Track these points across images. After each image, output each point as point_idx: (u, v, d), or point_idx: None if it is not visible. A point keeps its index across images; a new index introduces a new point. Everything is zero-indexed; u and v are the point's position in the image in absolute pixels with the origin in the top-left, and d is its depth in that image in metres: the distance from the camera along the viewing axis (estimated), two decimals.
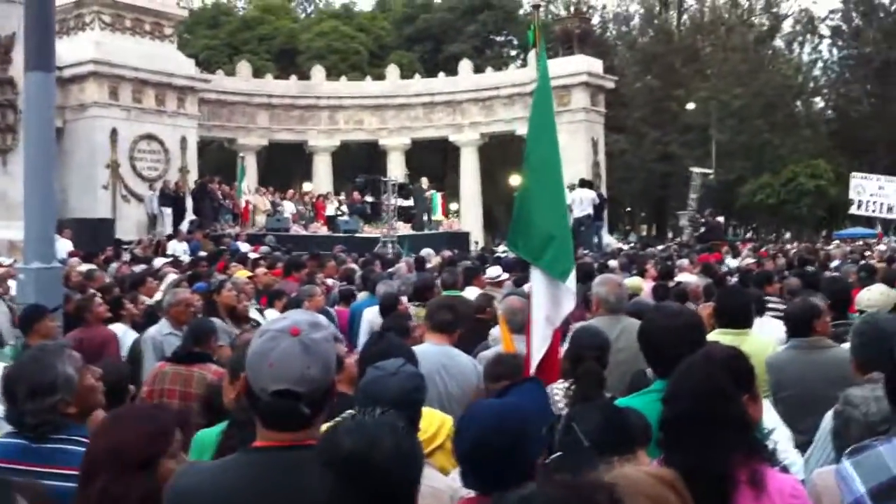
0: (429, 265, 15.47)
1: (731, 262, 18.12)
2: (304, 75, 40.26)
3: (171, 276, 11.46)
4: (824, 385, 4.62)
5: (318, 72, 39.47)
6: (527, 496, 1.39)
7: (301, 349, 2.29)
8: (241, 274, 11.90)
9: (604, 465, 1.57)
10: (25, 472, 3.00)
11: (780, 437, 3.57)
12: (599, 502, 1.39)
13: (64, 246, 18.90)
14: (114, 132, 27.16)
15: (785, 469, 2.94)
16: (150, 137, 28.16)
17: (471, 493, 3.24)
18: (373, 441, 2.02)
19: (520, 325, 6.00)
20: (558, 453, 2.60)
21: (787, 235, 54.77)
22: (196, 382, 5.64)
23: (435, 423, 3.99)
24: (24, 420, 3.20)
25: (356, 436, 2.04)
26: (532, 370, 4.71)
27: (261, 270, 13.61)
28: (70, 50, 25.79)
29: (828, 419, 4.00)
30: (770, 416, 3.74)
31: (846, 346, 4.63)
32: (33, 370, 3.25)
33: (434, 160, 50.39)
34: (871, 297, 6.52)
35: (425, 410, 3.57)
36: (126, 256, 18.80)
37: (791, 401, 5.09)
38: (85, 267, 14.31)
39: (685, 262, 15.07)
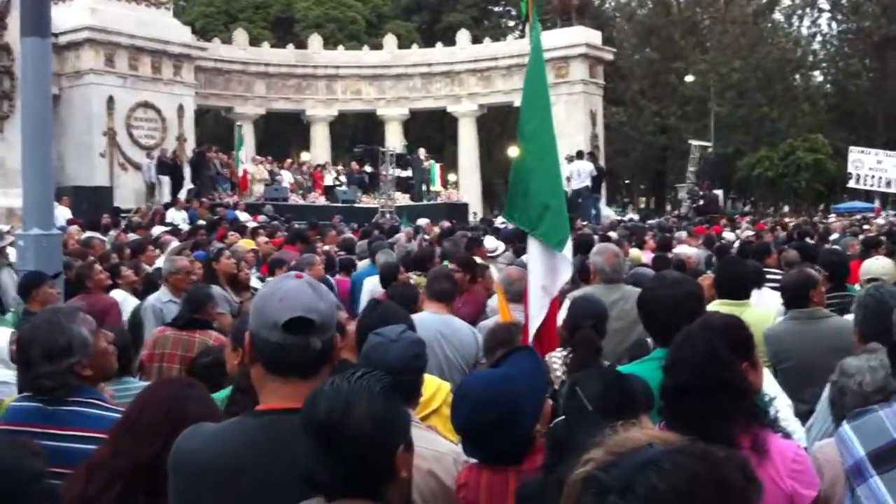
0: (425, 236, 15.47)
1: (729, 236, 18.14)
2: (301, 44, 40.00)
3: (173, 244, 11.45)
4: (824, 355, 4.65)
5: (315, 41, 39.22)
6: (653, 459, 1.34)
7: (308, 286, 2.38)
8: (245, 243, 11.91)
9: (609, 430, 1.54)
10: (42, 435, 2.99)
11: (780, 405, 3.59)
12: (731, 478, 1.35)
13: (62, 213, 18.90)
14: (110, 100, 27.04)
15: (787, 436, 2.96)
16: (146, 105, 28.05)
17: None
18: (347, 406, 2.01)
19: (517, 294, 6.02)
20: (562, 417, 2.61)
21: (786, 209, 54.77)
22: (198, 348, 5.71)
23: (431, 388, 4.02)
24: (41, 383, 3.18)
25: (332, 401, 2.03)
26: (530, 339, 4.73)
27: (262, 239, 13.63)
28: (66, 16, 25.61)
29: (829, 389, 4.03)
30: (771, 385, 3.76)
31: (848, 317, 4.66)
32: (49, 332, 3.22)
33: (432, 131, 50.31)
34: (885, 265, 6.53)
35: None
36: (122, 224, 18.78)
37: (791, 371, 5.13)
38: (84, 234, 14.30)
39: (683, 234, 15.09)
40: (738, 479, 1.33)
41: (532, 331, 4.80)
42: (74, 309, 3.44)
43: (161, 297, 7.59)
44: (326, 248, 12.74)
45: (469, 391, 3.06)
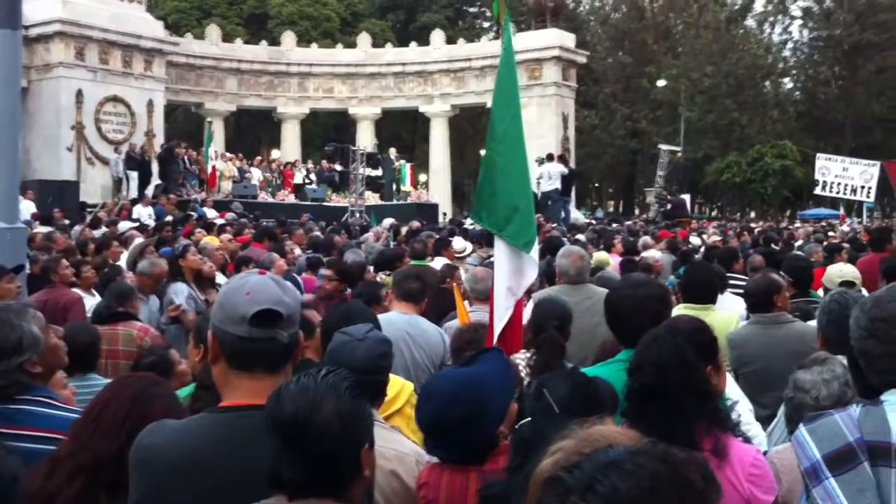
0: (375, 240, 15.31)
1: (696, 240, 18.25)
2: (275, 41, 39.86)
3: (137, 240, 11.35)
4: (786, 359, 4.68)
5: (288, 38, 39.11)
6: (615, 460, 1.35)
7: (273, 281, 2.40)
8: (209, 240, 11.83)
9: (575, 426, 1.55)
10: None
11: (741, 409, 3.62)
12: (692, 480, 1.37)
13: (27, 207, 18.70)
14: (79, 93, 26.79)
15: (748, 440, 2.99)
16: (116, 100, 27.82)
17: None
18: (313, 405, 2.01)
19: (483, 293, 6.05)
20: (528, 419, 2.62)
21: (752, 214, 55.28)
22: (122, 340, 5.90)
23: (395, 388, 4.01)
24: None
25: (299, 399, 2.02)
26: (494, 340, 4.74)
27: (226, 237, 13.54)
28: (36, 8, 25.29)
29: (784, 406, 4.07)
30: (732, 390, 3.79)
31: (811, 322, 4.70)
32: None
33: (404, 130, 50.29)
34: (846, 270, 6.60)
35: None
36: (87, 219, 18.60)
37: (753, 376, 5.17)
38: (45, 229, 14.15)
39: (648, 238, 15.17)
40: (698, 480, 1.35)
41: (497, 332, 4.81)
42: (23, 306, 3.40)
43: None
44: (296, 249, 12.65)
45: (437, 388, 3.06)
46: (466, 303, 6.54)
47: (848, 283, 6.25)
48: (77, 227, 16.40)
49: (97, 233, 14.89)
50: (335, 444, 2.00)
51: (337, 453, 2.01)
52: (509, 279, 4.92)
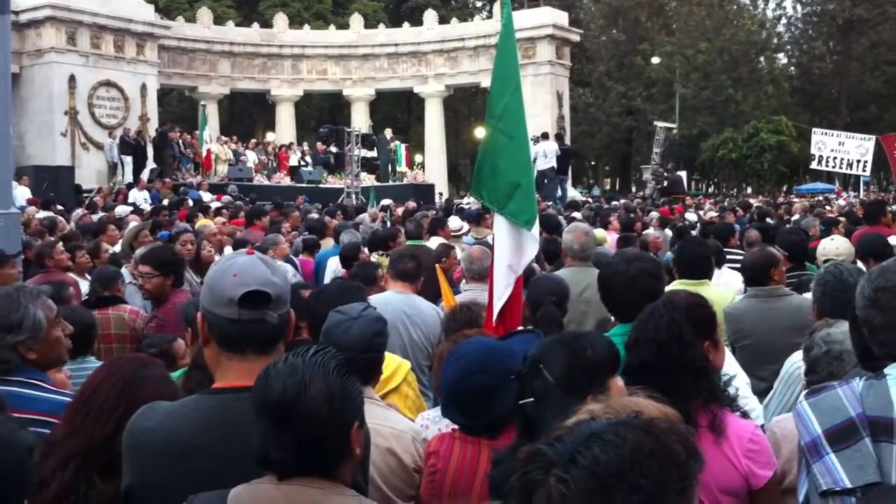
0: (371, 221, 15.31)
1: (691, 217, 18.25)
2: (267, 23, 39.68)
3: (132, 224, 11.33)
4: (783, 333, 4.68)
5: (280, 19, 38.90)
6: (596, 432, 1.35)
7: (261, 261, 2.37)
8: (206, 222, 11.81)
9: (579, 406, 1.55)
10: None
11: (739, 383, 3.60)
12: (674, 450, 1.36)
13: (22, 193, 18.68)
14: (72, 78, 26.71)
15: (745, 415, 2.97)
16: (109, 84, 27.75)
17: (442, 429, 3.26)
18: (303, 384, 1.99)
19: (478, 273, 6.03)
20: (530, 399, 2.57)
21: (749, 190, 55.28)
22: (113, 324, 5.89)
23: (391, 367, 3.99)
24: None
25: (287, 379, 2.01)
26: (494, 318, 4.72)
27: (220, 220, 13.51)
28: None
29: (788, 365, 4.05)
30: (730, 364, 3.78)
31: (807, 295, 4.68)
32: (3, 306, 3.17)
33: (398, 111, 50.19)
34: (840, 245, 6.58)
35: None
36: (86, 202, 18.58)
37: (751, 349, 5.16)
38: (43, 214, 14.13)
39: (656, 214, 15.17)
40: (679, 450, 1.35)
41: (496, 310, 4.80)
42: (39, 290, 3.37)
43: (125, 278, 7.52)
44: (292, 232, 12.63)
45: (467, 352, 3.05)
46: (463, 282, 6.52)
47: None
48: (78, 211, 16.39)
49: (95, 217, 14.86)
50: (324, 423, 1.98)
51: (325, 433, 2.00)
52: (509, 257, 4.89)
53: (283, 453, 2.00)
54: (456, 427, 3.12)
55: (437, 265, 7.19)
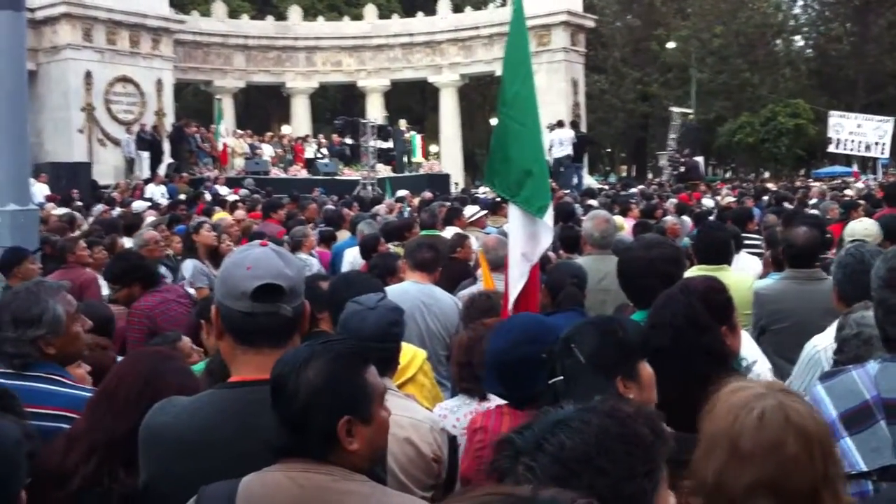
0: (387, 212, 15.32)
1: (708, 202, 18.17)
2: (281, 16, 39.65)
3: (149, 219, 11.39)
4: (819, 316, 4.55)
5: (294, 12, 38.89)
6: (563, 418, 1.36)
7: (275, 253, 2.36)
8: (223, 215, 11.85)
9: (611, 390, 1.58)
10: None
11: (761, 369, 3.59)
12: (640, 433, 1.37)
13: (40, 190, 18.81)
14: (88, 75, 26.80)
15: None
16: (125, 80, 27.83)
17: (460, 418, 3.26)
18: (298, 367, 2.02)
19: (494, 262, 6.03)
20: (560, 377, 2.58)
21: (766, 175, 54.93)
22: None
23: (407, 356, 4.00)
24: (2, 349, 3.15)
25: (286, 364, 2.04)
26: (510, 306, 4.72)
27: (239, 213, 13.56)
28: None
29: (808, 348, 4.02)
30: (751, 349, 3.75)
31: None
32: (24, 300, 3.19)
33: (413, 102, 50.09)
34: (868, 226, 6.49)
35: None
36: (105, 198, 18.67)
37: (787, 332, 5.08)
38: (61, 210, 14.22)
39: (674, 201, 15.14)
40: (646, 433, 1.37)
41: (512, 298, 4.79)
42: (59, 286, 3.39)
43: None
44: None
45: (516, 325, 3.09)
46: (478, 271, 6.52)
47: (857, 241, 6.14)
48: (98, 207, 16.49)
49: (115, 213, 14.95)
50: (304, 408, 1.99)
51: (308, 420, 2.01)
52: (524, 245, 4.87)
53: (276, 435, 2.03)
54: (503, 403, 3.14)
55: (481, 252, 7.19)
